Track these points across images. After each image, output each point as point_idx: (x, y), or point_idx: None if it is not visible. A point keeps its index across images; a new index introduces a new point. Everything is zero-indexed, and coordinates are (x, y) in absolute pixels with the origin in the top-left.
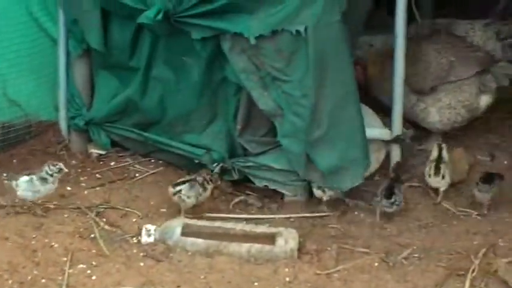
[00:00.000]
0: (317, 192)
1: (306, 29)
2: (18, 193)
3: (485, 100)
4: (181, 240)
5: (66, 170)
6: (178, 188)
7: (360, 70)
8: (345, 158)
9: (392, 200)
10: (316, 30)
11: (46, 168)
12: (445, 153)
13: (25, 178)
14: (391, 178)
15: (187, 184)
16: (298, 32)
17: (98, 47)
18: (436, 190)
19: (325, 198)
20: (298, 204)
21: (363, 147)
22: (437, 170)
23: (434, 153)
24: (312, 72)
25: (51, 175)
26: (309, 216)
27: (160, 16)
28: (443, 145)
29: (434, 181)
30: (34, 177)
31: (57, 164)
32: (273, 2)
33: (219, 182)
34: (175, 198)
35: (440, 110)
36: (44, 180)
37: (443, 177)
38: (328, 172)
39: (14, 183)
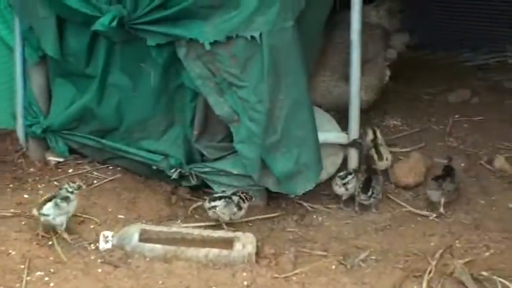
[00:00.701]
0: (339, 190)
1: (260, 35)
2: (53, 223)
3: (388, 70)
4: (139, 246)
5: (85, 187)
6: (213, 203)
7: None
8: (298, 162)
9: (370, 193)
10: (271, 36)
11: (66, 186)
12: (379, 135)
13: (50, 204)
14: (365, 170)
15: (222, 201)
16: (253, 38)
17: (54, 54)
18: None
19: (344, 197)
20: (257, 209)
21: (315, 152)
22: (379, 154)
23: (370, 136)
24: (266, 78)
25: (72, 192)
26: (266, 218)
27: (115, 23)
28: (375, 127)
29: (381, 165)
30: (58, 200)
31: (75, 182)
32: (228, 8)
33: (253, 199)
34: (210, 213)
35: (367, 88)
36: (67, 199)
37: (387, 159)
38: (283, 177)
39: (36, 213)
